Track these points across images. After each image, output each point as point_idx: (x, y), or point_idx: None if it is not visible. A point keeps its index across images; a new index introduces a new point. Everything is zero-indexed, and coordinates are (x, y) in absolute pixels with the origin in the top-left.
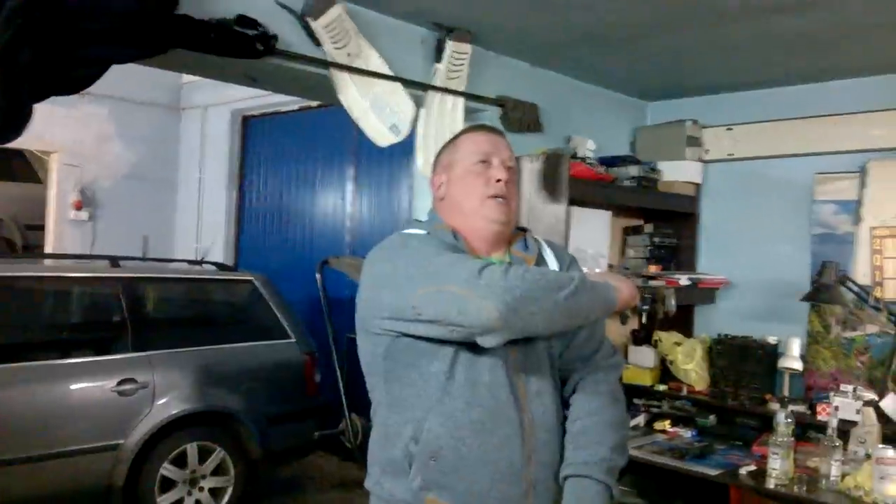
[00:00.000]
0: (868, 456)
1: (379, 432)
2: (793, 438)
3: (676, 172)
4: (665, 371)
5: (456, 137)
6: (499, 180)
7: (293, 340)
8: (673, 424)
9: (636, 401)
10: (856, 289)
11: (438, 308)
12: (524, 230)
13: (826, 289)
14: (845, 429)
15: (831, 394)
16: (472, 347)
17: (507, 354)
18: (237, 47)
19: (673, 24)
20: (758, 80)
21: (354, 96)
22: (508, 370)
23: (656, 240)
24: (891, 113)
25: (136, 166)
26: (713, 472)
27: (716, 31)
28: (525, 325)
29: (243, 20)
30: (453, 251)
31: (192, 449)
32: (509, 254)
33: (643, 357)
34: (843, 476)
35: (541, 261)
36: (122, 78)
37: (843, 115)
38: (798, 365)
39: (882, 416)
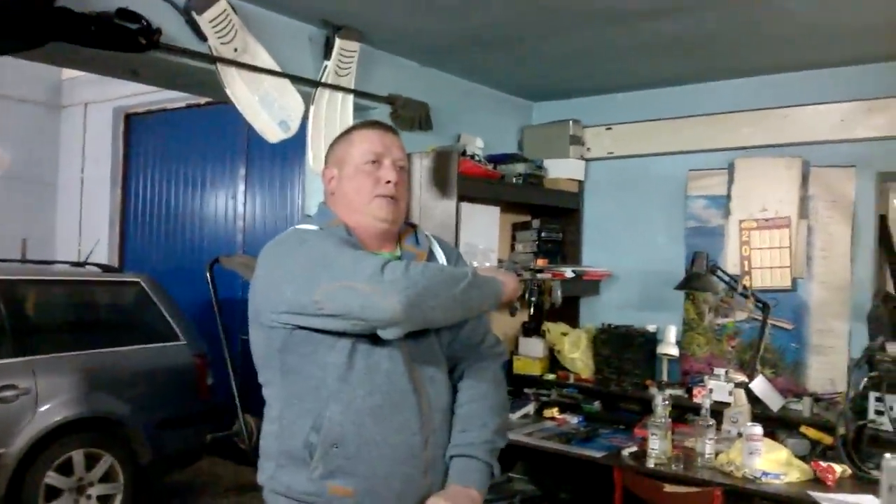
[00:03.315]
0: (739, 434)
1: (273, 427)
2: (670, 420)
3: (561, 170)
4: (553, 360)
5: (349, 132)
6: (389, 181)
7: (183, 342)
8: (561, 411)
9: (526, 390)
10: (725, 278)
11: (342, 303)
12: (414, 226)
13: (698, 278)
14: (719, 409)
15: (706, 377)
16: (370, 338)
17: (401, 344)
18: (118, 41)
19: (553, 29)
20: (635, 82)
21: (243, 92)
22: (405, 358)
23: (543, 234)
24: (756, 113)
25: (14, 166)
26: (598, 455)
27: (594, 36)
28: (425, 317)
29: (125, 13)
30: (350, 246)
31: (78, 456)
32: (400, 248)
33: (532, 348)
34: (717, 454)
35: (431, 256)
36: None
37: (713, 114)
38: (675, 351)
39: (752, 397)
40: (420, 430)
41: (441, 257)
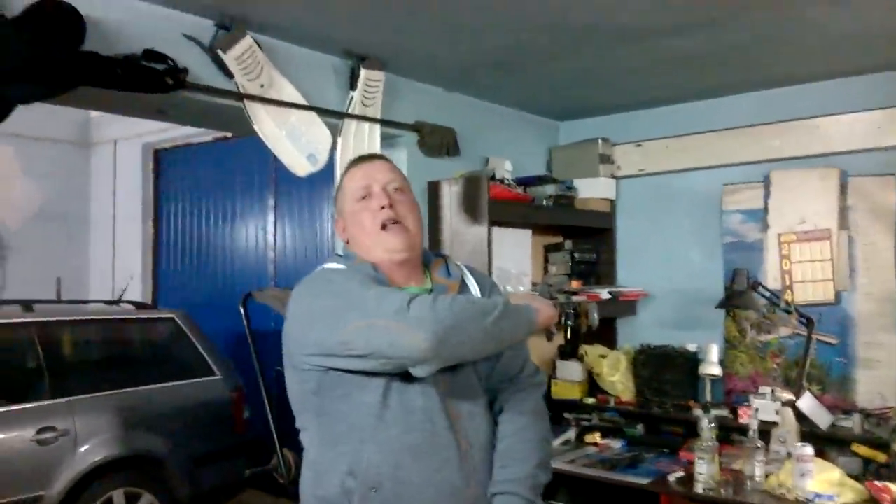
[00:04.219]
0: (789, 455)
1: (310, 471)
2: (717, 442)
3: (591, 189)
4: (592, 384)
5: (341, 178)
6: (382, 207)
7: (219, 377)
8: (602, 436)
9: (566, 415)
10: (767, 294)
11: (369, 342)
12: (444, 257)
13: (739, 295)
14: (766, 429)
15: (751, 396)
16: (404, 376)
17: (437, 379)
18: (146, 82)
19: (577, 48)
20: (664, 97)
21: (270, 127)
22: (440, 394)
23: (576, 256)
24: (786, 124)
25: (46, 205)
26: (643, 481)
27: (619, 54)
28: (455, 353)
29: (151, 54)
30: (377, 283)
31: (118, 495)
32: (431, 280)
33: (571, 371)
34: (767, 476)
35: (463, 287)
36: (27, 114)
37: (745, 127)
38: (717, 370)
39: (799, 416)
40: (460, 469)
41: (474, 288)
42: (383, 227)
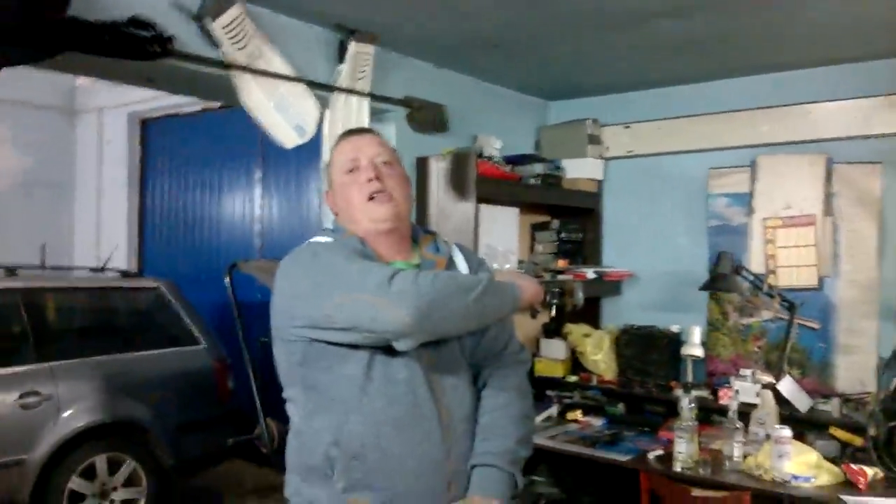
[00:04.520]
0: (767, 436)
1: (296, 441)
2: (696, 422)
3: (579, 170)
4: (575, 362)
5: (331, 152)
6: (370, 179)
7: (203, 346)
8: (584, 414)
9: (549, 392)
10: (750, 277)
11: (352, 316)
12: (433, 233)
13: (723, 278)
14: (746, 411)
15: (731, 378)
16: (387, 349)
17: (420, 353)
18: (131, 49)
19: (569, 30)
20: (654, 80)
21: (258, 98)
22: (423, 367)
23: (563, 235)
24: (775, 110)
25: (30, 172)
26: (623, 458)
27: (608, 36)
28: (436, 328)
29: (137, 22)
30: (363, 257)
31: (101, 461)
32: (420, 256)
33: (554, 349)
34: (745, 456)
35: (451, 263)
36: (12, 81)
37: (734, 111)
38: (699, 352)
39: (779, 398)
40: (442, 441)
41: (463, 264)
42: (370, 198)
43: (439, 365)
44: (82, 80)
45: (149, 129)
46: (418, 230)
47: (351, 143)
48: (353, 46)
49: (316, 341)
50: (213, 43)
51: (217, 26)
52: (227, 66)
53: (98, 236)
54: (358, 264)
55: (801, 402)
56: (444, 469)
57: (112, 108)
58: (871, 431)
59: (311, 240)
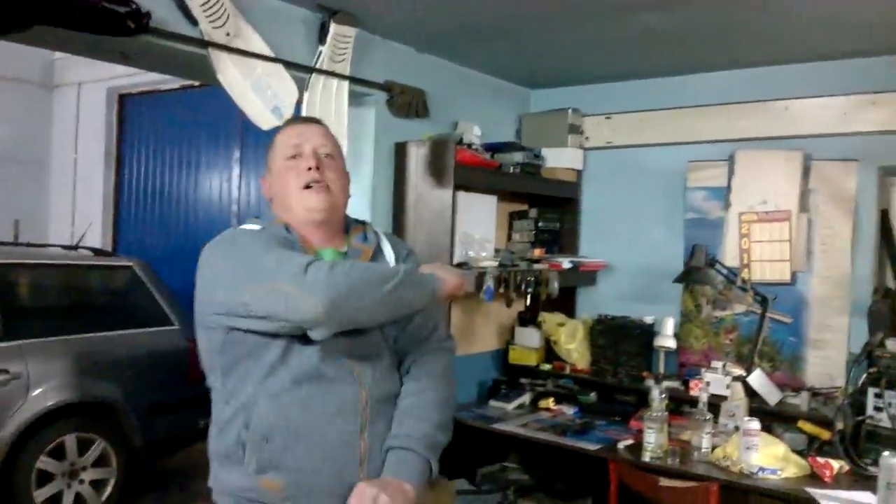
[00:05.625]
0: (737, 428)
1: (215, 427)
2: (667, 413)
3: (559, 159)
4: (549, 351)
5: (274, 136)
6: (309, 168)
7: (176, 328)
8: (556, 402)
9: (522, 380)
10: (724, 271)
11: (267, 305)
12: (364, 223)
13: (697, 271)
14: (716, 403)
15: (703, 370)
16: (305, 336)
17: (339, 340)
18: (106, 24)
19: (552, 19)
20: (635, 72)
21: (235, 77)
22: (340, 353)
23: (541, 224)
24: (757, 104)
25: (5, 146)
26: (593, 447)
27: (593, 27)
28: (350, 318)
29: None
30: (286, 245)
31: (70, 440)
32: (348, 245)
33: (529, 338)
34: (714, 447)
35: (378, 252)
36: None
37: (714, 105)
38: (672, 343)
39: (749, 391)
40: (354, 420)
41: (389, 254)
42: (307, 186)
43: (356, 351)
44: (60, 54)
45: (127, 105)
46: (352, 221)
47: (296, 129)
48: (333, 28)
49: (234, 329)
50: (191, 20)
51: (195, 3)
52: (205, 43)
53: (73, 213)
54: (276, 253)
55: (771, 396)
56: (357, 449)
57: (91, 82)
58: (839, 425)
59: (237, 227)
